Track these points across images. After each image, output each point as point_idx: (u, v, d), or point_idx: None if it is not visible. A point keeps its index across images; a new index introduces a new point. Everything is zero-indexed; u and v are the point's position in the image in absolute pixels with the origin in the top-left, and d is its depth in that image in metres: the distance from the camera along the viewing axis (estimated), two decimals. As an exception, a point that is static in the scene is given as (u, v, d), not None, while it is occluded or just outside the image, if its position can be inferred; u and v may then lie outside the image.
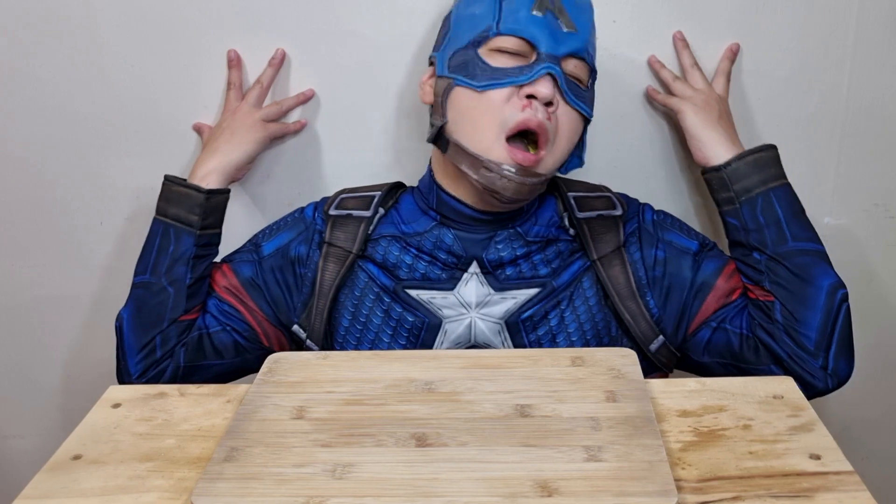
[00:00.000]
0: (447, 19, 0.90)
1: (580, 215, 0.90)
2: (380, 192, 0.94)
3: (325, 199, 0.97)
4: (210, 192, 0.92)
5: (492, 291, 0.88)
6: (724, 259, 0.92)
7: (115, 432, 0.65)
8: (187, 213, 0.91)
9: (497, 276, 0.88)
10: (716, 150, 0.92)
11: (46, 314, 1.16)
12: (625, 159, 1.07)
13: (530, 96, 0.81)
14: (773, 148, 0.91)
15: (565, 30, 0.83)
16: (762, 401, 0.66)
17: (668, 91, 1.01)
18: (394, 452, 0.59)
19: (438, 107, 0.87)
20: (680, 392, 0.68)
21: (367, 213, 0.92)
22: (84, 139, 1.07)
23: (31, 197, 1.10)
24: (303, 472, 0.57)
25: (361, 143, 1.07)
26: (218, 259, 0.97)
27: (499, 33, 0.83)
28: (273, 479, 0.57)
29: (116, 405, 0.69)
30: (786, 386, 0.68)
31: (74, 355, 1.18)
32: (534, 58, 0.82)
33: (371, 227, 0.92)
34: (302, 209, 0.97)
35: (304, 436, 0.61)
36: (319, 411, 0.65)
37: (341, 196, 0.96)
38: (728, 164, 0.90)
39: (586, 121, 0.88)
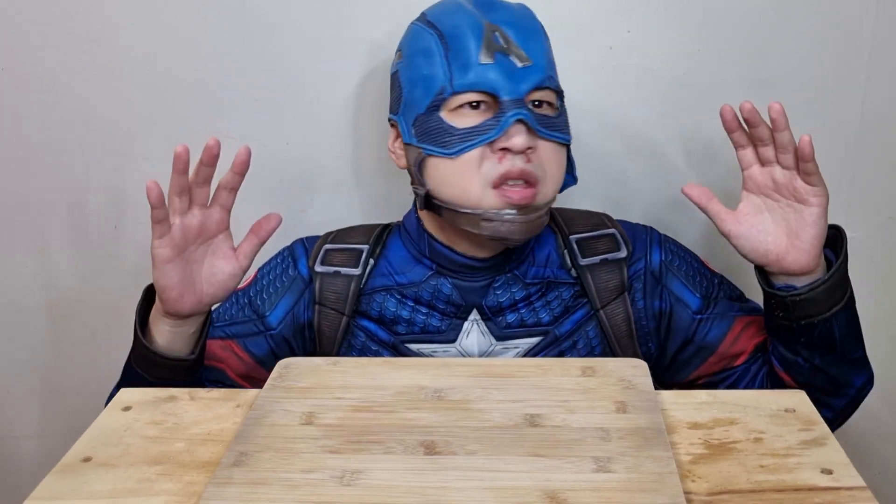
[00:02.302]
0: (395, 79, 0.86)
1: (583, 262, 0.87)
2: (367, 246, 0.90)
3: (311, 242, 0.93)
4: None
5: (494, 342, 0.87)
6: (728, 321, 0.88)
7: (125, 435, 0.66)
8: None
9: (497, 323, 0.87)
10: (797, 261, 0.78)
11: (59, 316, 1.17)
12: (636, 167, 1.07)
13: (504, 149, 0.78)
14: (845, 255, 0.79)
15: (520, 65, 0.79)
16: (774, 414, 0.65)
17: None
18: (402, 460, 0.59)
19: (415, 176, 0.85)
20: (690, 404, 0.67)
21: (357, 272, 0.89)
22: (100, 143, 1.08)
23: (47, 199, 1.11)
24: (311, 478, 0.57)
25: (374, 150, 1.07)
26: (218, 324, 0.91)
27: (455, 92, 0.80)
28: (282, 484, 0.57)
29: (127, 408, 0.70)
30: (798, 399, 0.68)
31: (85, 357, 1.19)
32: (497, 107, 0.79)
33: (362, 284, 0.89)
34: (294, 260, 0.92)
35: (313, 441, 0.61)
36: (329, 417, 0.65)
37: (325, 248, 0.91)
38: (803, 290, 0.77)
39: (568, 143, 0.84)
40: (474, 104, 0.80)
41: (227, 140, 1.07)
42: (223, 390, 0.72)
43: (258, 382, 0.87)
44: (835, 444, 0.61)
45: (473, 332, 0.87)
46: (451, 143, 0.80)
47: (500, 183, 0.79)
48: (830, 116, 1.03)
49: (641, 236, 0.91)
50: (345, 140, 1.07)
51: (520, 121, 0.78)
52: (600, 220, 0.92)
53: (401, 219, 0.94)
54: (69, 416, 1.20)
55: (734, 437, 0.63)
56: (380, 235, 0.92)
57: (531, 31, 0.82)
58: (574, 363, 0.72)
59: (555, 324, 0.87)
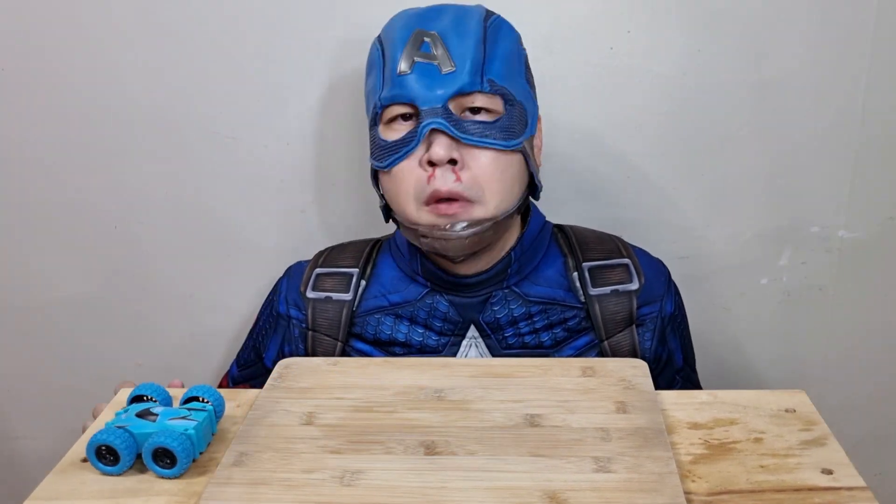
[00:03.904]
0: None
1: (593, 292, 0.85)
2: (357, 270, 0.89)
3: (299, 271, 0.92)
4: None
5: None
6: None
7: (125, 435, 0.66)
8: None
9: (497, 341, 0.85)
10: None
11: (60, 316, 1.17)
12: (636, 167, 1.07)
13: (431, 163, 0.76)
14: None
15: (444, 71, 0.76)
16: (774, 414, 0.65)
17: None
18: (402, 460, 0.59)
19: (376, 190, 0.86)
20: (691, 404, 0.67)
21: (348, 297, 0.88)
22: (100, 143, 1.08)
23: (47, 199, 1.11)
24: (311, 479, 0.57)
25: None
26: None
27: (383, 105, 0.79)
28: (282, 484, 0.57)
29: (127, 408, 0.70)
30: (798, 399, 0.68)
31: (86, 358, 1.19)
32: (419, 118, 0.77)
33: (354, 307, 0.88)
34: (275, 297, 0.92)
35: (314, 442, 0.61)
36: (329, 417, 0.65)
37: (316, 272, 0.90)
38: None
39: (526, 150, 0.80)
40: (405, 116, 0.78)
41: (227, 140, 1.07)
42: (223, 390, 0.72)
43: None
44: (835, 444, 0.61)
45: (472, 352, 0.86)
46: (383, 156, 0.79)
47: (431, 200, 0.78)
48: (831, 117, 1.03)
49: (659, 277, 0.89)
50: (345, 140, 1.07)
51: (435, 130, 0.76)
52: (615, 246, 0.90)
53: (392, 231, 0.92)
54: (69, 416, 1.20)
55: (734, 438, 0.63)
56: (370, 254, 0.91)
57: (464, 34, 0.78)
58: (574, 363, 0.72)
59: (556, 348, 0.85)
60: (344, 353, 0.88)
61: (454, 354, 0.86)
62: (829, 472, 0.58)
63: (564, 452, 0.59)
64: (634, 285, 0.86)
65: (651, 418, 0.63)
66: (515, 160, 0.80)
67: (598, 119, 1.04)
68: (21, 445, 1.26)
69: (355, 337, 0.88)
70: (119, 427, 0.60)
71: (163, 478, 0.59)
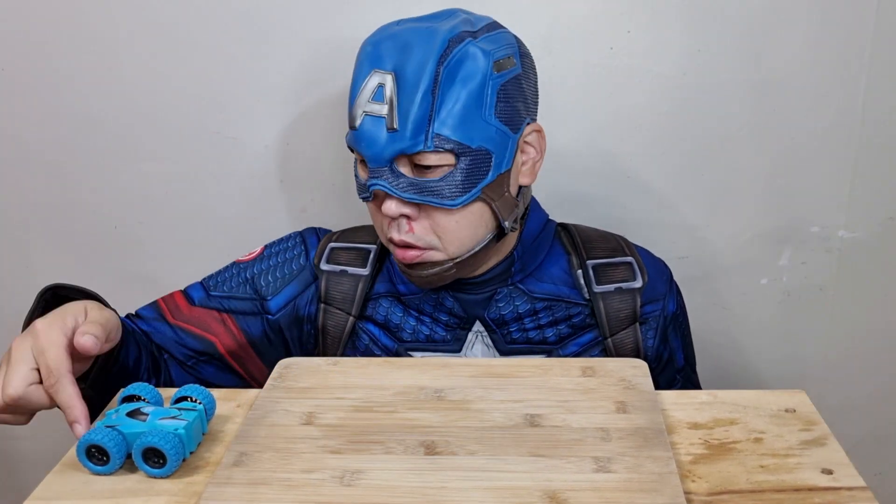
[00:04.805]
0: None
1: (598, 289, 0.85)
2: (375, 247, 0.89)
3: (322, 234, 0.92)
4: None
5: (497, 356, 0.86)
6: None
7: (125, 435, 0.66)
8: None
9: (503, 336, 0.86)
10: None
11: (60, 316, 1.17)
12: (636, 168, 1.07)
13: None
14: None
15: (389, 127, 0.74)
16: (774, 414, 0.65)
17: None
18: (402, 460, 0.59)
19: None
20: (691, 404, 0.67)
21: (365, 272, 0.87)
22: (100, 143, 1.08)
23: (47, 200, 1.11)
24: (311, 479, 0.57)
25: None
26: (210, 291, 0.90)
27: (348, 145, 0.80)
28: (282, 484, 0.57)
29: (127, 408, 0.70)
30: (798, 399, 0.68)
31: (86, 358, 1.19)
32: (368, 171, 0.77)
33: (370, 285, 0.88)
34: (306, 249, 0.90)
35: (313, 442, 0.61)
36: (329, 417, 0.65)
37: (331, 246, 0.90)
38: None
39: (487, 196, 0.77)
40: (362, 161, 0.78)
41: (226, 140, 1.07)
42: (223, 390, 0.72)
43: (245, 363, 0.89)
44: (835, 444, 0.61)
45: (478, 345, 0.86)
46: (359, 191, 0.81)
47: (391, 242, 0.80)
48: (830, 117, 1.03)
49: (661, 276, 0.89)
50: (345, 140, 1.07)
51: (378, 192, 0.77)
52: (618, 244, 0.89)
53: None
54: (69, 416, 1.20)
55: (734, 437, 0.63)
56: None
57: (416, 81, 0.74)
58: (574, 363, 0.72)
59: (560, 344, 0.86)
60: (354, 330, 0.88)
61: (460, 347, 0.86)
62: (829, 472, 0.58)
63: (564, 452, 0.59)
64: (638, 283, 0.86)
65: (651, 418, 0.63)
66: (474, 208, 0.78)
67: (599, 119, 1.04)
68: (21, 445, 1.26)
69: (366, 319, 0.88)
70: (109, 427, 0.60)
71: (153, 477, 0.59)
